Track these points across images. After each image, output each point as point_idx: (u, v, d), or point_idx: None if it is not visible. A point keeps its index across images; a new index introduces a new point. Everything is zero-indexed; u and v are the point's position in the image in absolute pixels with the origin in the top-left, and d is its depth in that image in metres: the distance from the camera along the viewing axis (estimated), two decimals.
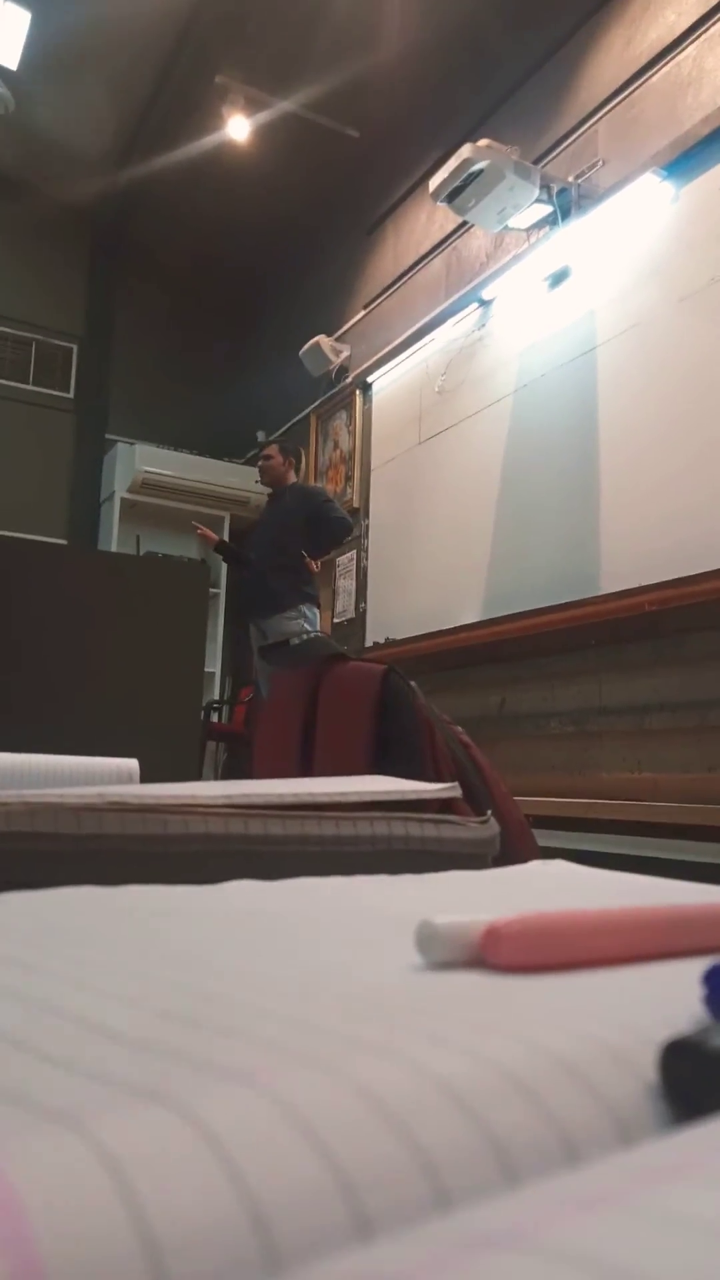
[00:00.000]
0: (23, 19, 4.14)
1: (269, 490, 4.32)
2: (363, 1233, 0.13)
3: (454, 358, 4.29)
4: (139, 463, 5.74)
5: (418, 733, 1.27)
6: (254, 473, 5.64)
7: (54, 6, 4.21)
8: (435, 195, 3.59)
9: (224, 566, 5.72)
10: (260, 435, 6.16)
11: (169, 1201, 0.12)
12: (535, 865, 0.56)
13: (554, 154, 3.81)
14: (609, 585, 3.19)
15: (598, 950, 0.27)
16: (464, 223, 4.08)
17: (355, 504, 4.95)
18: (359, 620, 4.83)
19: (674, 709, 2.99)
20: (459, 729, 1.34)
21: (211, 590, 5.64)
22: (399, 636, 4.31)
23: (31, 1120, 0.15)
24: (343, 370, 5.32)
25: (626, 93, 3.50)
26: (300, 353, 5.32)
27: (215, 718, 5.38)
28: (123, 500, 5.84)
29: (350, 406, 5.21)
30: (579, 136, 3.72)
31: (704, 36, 3.19)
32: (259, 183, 5.34)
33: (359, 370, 5.11)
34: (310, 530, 4.01)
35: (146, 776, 0.93)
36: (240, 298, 6.50)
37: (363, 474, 5.00)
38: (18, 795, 0.56)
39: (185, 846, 0.56)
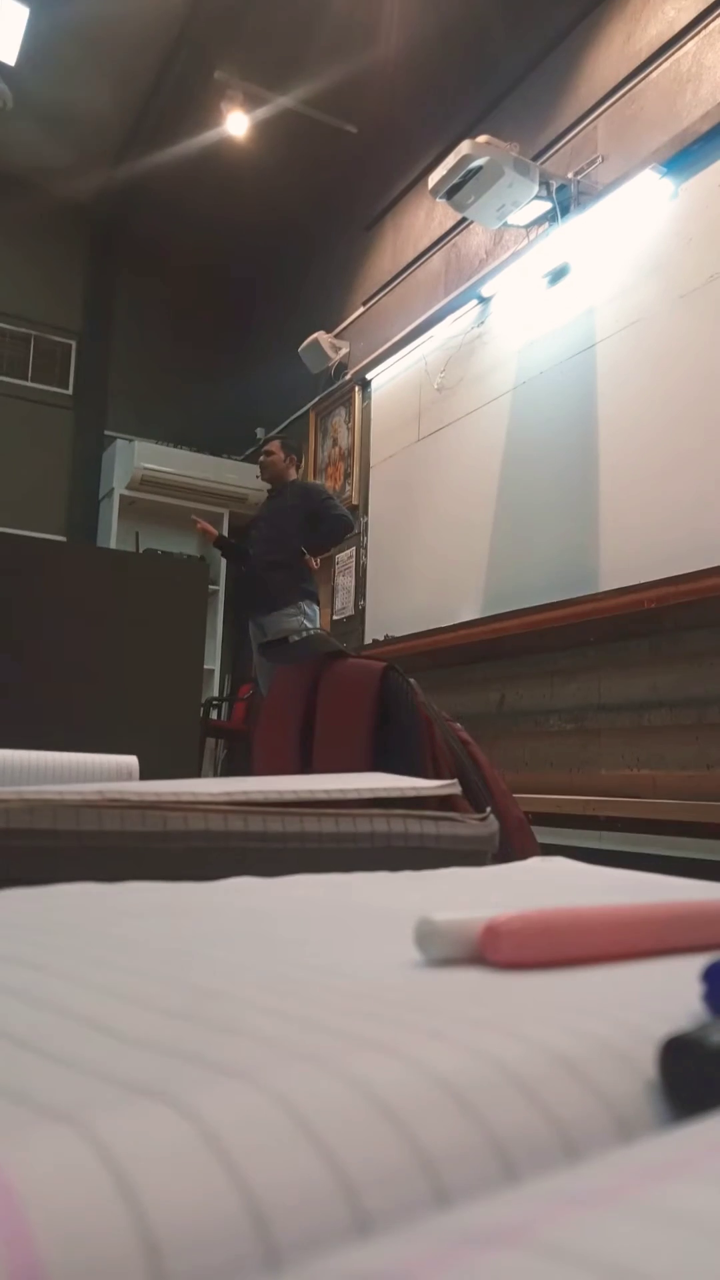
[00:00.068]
0: (21, 14, 4.13)
1: (269, 487, 4.31)
2: (362, 1230, 0.13)
3: (453, 355, 4.28)
4: (138, 459, 5.74)
5: (417, 730, 1.27)
6: (253, 469, 5.64)
7: (52, 2, 4.20)
8: (434, 192, 3.58)
9: (223, 563, 5.72)
10: (259, 432, 6.16)
11: (169, 1199, 0.12)
12: (534, 862, 0.56)
13: (553, 150, 3.81)
14: (608, 582, 3.19)
15: (597, 947, 0.27)
16: (463, 219, 4.08)
17: (354, 501, 4.95)
18: (358, 617, 4.83)
19: (673, 706, 2.99)
20: (458, 726, 1.34)
21: (210, 587, 5.63)
22: (398, 633, 4.31)
23: (31, 1118, 0.15)
24: (342, 367, 5.32)
25: (626, 89, 3.49)
26: (299, 349, 5.31)
27: (214, 714, 5.38)
28: (122, 497, 5.83)
29: (349, 403, 5.20)
30: (578, 133, 3.71)
31: (704, 32, 3.19)
32: (258, 179, 5.33)
33: (358, 367, 5.11)
34: (310, 527, 4.00)
35: (146, 773, 0.93)
36: (239, 294, 6.49)
37: (362, 471, 5.00)
38: (17, 792, 0.56)
39: (185, 843, 0.56)
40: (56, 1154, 0.13)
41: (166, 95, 4.95)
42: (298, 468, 4.31)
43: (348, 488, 5.09)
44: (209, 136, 5.01)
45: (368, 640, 4.61)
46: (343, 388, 5.28)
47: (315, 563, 4.04)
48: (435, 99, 4.57)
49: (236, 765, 5.13)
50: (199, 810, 0.58)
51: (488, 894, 0.44)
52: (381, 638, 4.47)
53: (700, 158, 3.10)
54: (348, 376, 5.23)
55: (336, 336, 5.33)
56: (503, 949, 0.25)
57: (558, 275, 3.68)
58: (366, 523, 4.85)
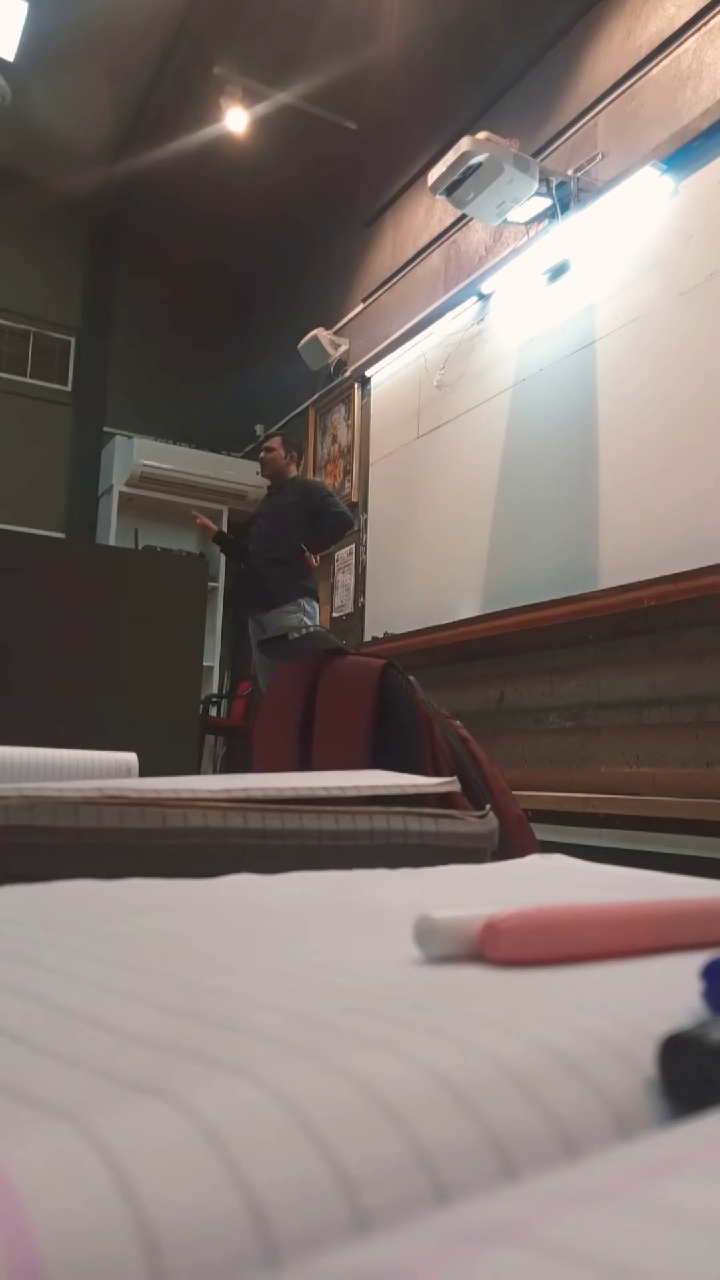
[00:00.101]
0: (20, 10, 4.12)
1: (268, 483, 4.31)
2: (362, 1227, 0.13)
3: (453, 352, 4.28)
4: (137, 456, 5.73)
5: (416, 727, 1.27)
6: (252, 467, 5.64)
7: None
8: (434, 188, 3.58)
9: (222, 560, 5.71)
10: (259, 429, 6.15)
11: (168, 1197, 0.12)
12: (534, 859, 0.56)
13: (553, 147, 3.80)
14: (608, 580, 3.19)
15: (596, 944, 0.27)
16: (463, 216, 4.07)
17: (354, 498, 4.94)
18: (357, 615, 4.83)
19: (672, 704, 2.99)
20: (458, 723, 1.35)
21: (210, 584, 5.63)
22: (398, 631, 4.31)
23: (30, 1115, 0.15)
24: (341, 364, 5.31)
25: (626, 86, 3.49)
26: (299, 346, 5.31)
27: (214, 712, 5.38)
28: (121, 494, 5.83)
29: (349, 400, 5.20)
30: (578, 130, 3.71)
31: (704, 29, 3.18)
32: (257, 175, 5.32)
33: (357, 364, 5.10)
34: (310, 524, 4.00)
35: (145, 770, 0.93)
36: (239, 290, 6.48)
37: (361, 468, 5.00)
38: (16, 789, 0.56)
39: (184, 840, 0.56)
40: (56, 1151, 0.12)
41: (165, 91, 4.94)
42: (298, 465, 4.31)
43: (347, 485, 5.08)
44: (208, 132, 5.00)
45: (367, 638, 4.61)
46: (342, 384, 5.28)
47: (315, 560, 4.04)
48: (435, 95, 4.56)
49: (236, 762, 5.13)
50: (198, 807, 0.58)
51: (487, 891, 0.44)
52: (381, 635, 4.47)
53: (700, 155, 3.10)
54: (347, 373, 5.22)
55: (336, 333, 5.33)
56: (502, 946, 0.25)
57: (558, 272, 3.68)
58: (366, 520, 4.84)
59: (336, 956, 0.27)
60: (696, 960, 0.24)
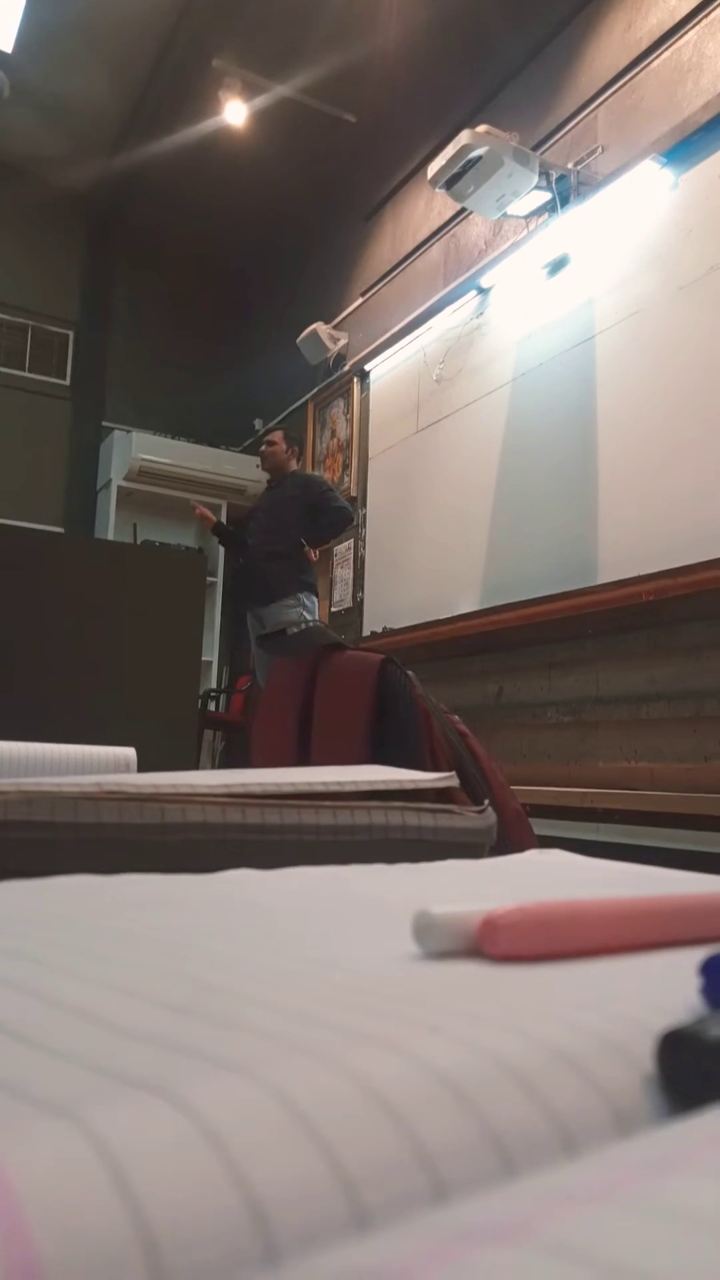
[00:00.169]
0: (18, 1, 4.10)
1: (268, 477, 4.31)
2: (361, 1225, 0.13)
3: (452, 346, 4.27)
4: (136, 450, 5.73)
5: (415, 722, 1.27)
6: (251, 461, 5.63)
7: None
8: (434, 182, 3.56)
9: (221, 556, 5.71)
10: (257, 423, 6.14)
11: (166, 1194, 0.12)
12: (532, 854, 0.56)
13: (553, 140, 3.79)
14: (606, 575, 3.19)
15: (594, 940, 0.27)
16: (462, 210, 4.06)
17: (353, 493, 4.94)
18: (356, 609, 4.83)
19: (671, 699, 2.99)
20: (456, 718, 1.35)
21: (209, 579, 5.63)
22: (396, 626, 4.31)
23: (28, 1112, 0.15)
24: (340, 358, 5.30)
25: (626, 78, 3.48)
26: (298, 340, 5.30)
27: (212, 706, 5.39)
28: (119, 488, 5.82)
29: (348, 395, 5.19)
30: (578, 123, 3.69)
31: (705, 21, 3.17)
32: (256, 168, 5.30)
33: (357, 358, 5.09)
34: (310, 519, 4.00)
35: (144, 765, 0.93)
36: (237, 284, 6.46)
37: (360, 463, 4.99)
38: (15, 784, 0.56)
39: (183, 835, 0.56)
40: (54, 1149, 0.12)
41: (164, 84, 4.92)
42: (298, 459, 4.30)
43: (346, 479, 5.08)
44: (207, 125, 4.98)
45: (366, 632, 4.61)
46: (341, 379, 5.27)
47: (314, 554, 4.04)
48: (435, 88, 4.55)
49: (234, 757, 5.14)
50: (197, 802, 0.58)
51: (485, 886, 0.44)
52: (379, 630, 4.47)
53: (700, 148, 3.09)
54: (346, 368, 5.21)
55: (335, 327, 5.32)
56: (500, 942, 0.25)
57: (557, 266, 3.67)
58: (365, 515, 4.84)
59: (335, 953, 0.27)
60: (695, 956, 0.24)
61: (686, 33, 3.24)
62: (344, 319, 5.33)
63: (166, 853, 0.56)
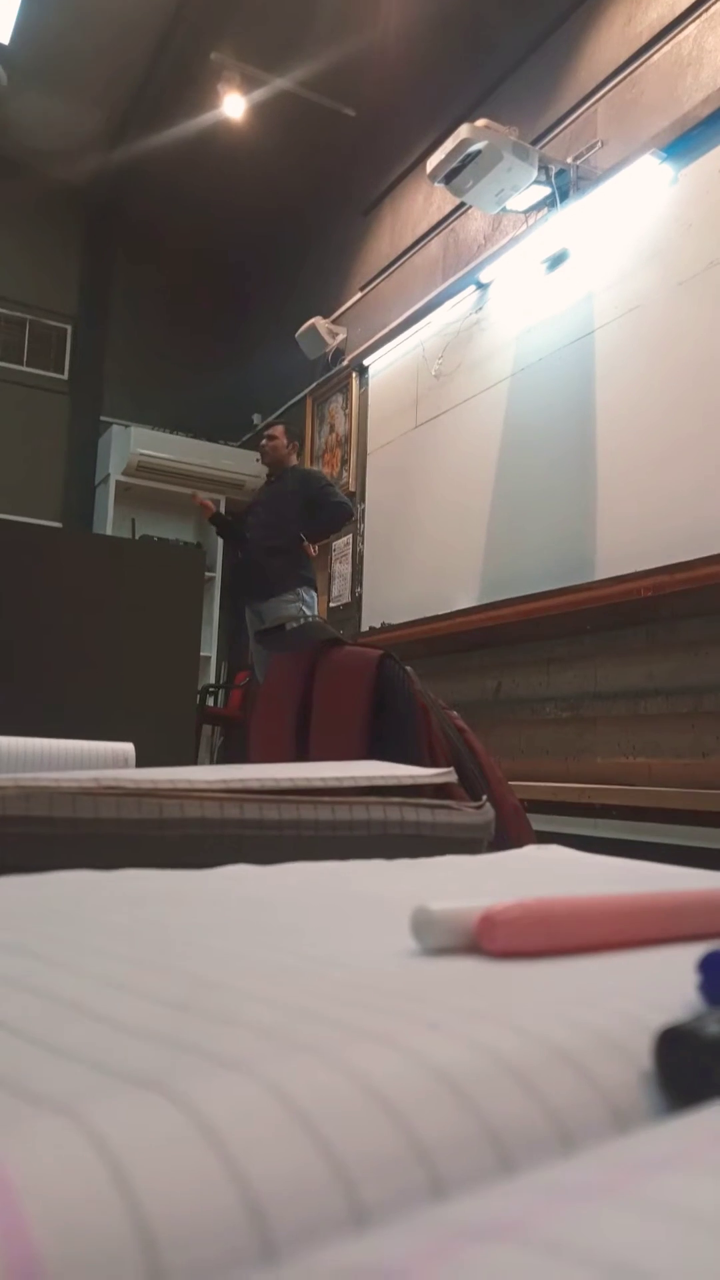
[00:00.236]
0: None
1: (267, 471, 4.30)
2: (359, 1221, 0.13)
3: (451, 341, 4.26)
4: (134, 445, 5.72)
5: (413, 718, 1.27)
6: (249, 456, 5.62)
7: None
8: (433, 176, 3.55)
9: (220, 550, 5.71)
10: (256, 418, 6.13)
11: (165, 1190, 0.12)
12: (530, 850, 0.56)
13: (553, 135, 3.78)
14: (605, 570, 3.19)
15: (593, 936, 0.27)
16: (461, 204, 4.05)
17: (351, 488, 4.93)
18: (355, 605, 4.83)
19: (669, 694, 3.00)
20: (454, 714, 1.35)
21: (207, 574, 5.63)
22: (395, 621, 4.31)
23: (27, 1109, 0.15)
24: (339, 353, 5.29)
25: (626, 73, 3.47)
26: (296, 335, 5.28)
27: (211, 702, 5.38)
28: (118, 483, 5.82)
29: (346, 390, 5.18)
30: (578, 117, 3.68)
31: (705, 15, 3.16)
32: (255, 162, 5.29)
33: (355, 353, 5.08)
34: (309, 514, 3.99)
35: (142, 760, 0.93)
36: (236, 278, 6.45)
37: (359, 458, 4.99)
38: (13, 779, 0.56)
39: (181, 831, 0.56)
40: (53, 1146, 0.12)
41: (162, 77, 4.90)
42: (298, 454, 4.30)
43: (345, 474, 5.07)
44: (205, 119, 4.96)
45: (364, 628, 4.61)
46: (340, 374, 5.26)
47: (313, 550, 4.04)
48: (434, 82, 4.53)
49: (232, 753, 5.14)
50: (195, 797, 0.58)
51: (483, 882, 0.44)
52: (378, 625, 4.47)
53: (700, 143, 3.08)
54: (345, 362, 5.21)
55: (334, 322, 5.30)
56: (498, 938, 0.26)
57: (556, 261, 3.67)
58: (363, 510, 4.84)
59: (333, 949, 0.27)
60: (693, 952, 0.24)
61: (687, 27, 3.23)
62: (343, 313, 5.32)
63: (165, 848, 0.56)
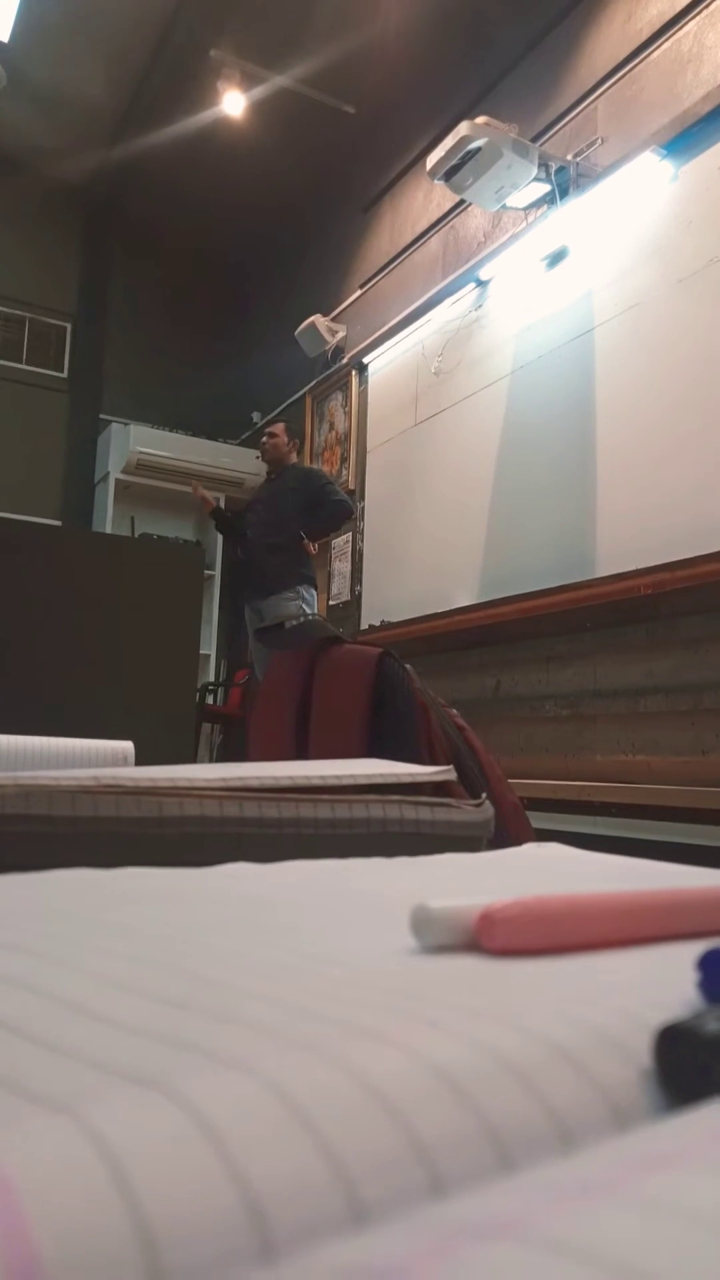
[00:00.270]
0: None
1: (267, 469, 4.30)
2: (358, 1220, 0.13)
3: (451, 338, 4.26)
4: (133, 443, 5.71)
5: (413, 715, 1.27)
6: (249, 454, 5.62)
7: None
8: (432, 173, 3.55)
9: (219, 548, 5.71)
10: (255, 416, 6.13)
11: (164, 1189, 0.12)
12: (530, 848, 0.56)
13: (553, 132, 3.77)
14: (605, 568, 3.19)
15: (592, 934, 0.27)
16: (461, 201, 4.05)
17: (351, 486, 4.93)
18: (354, 603, 4.83)
19: (669, 692, 3.00)
20: (454, 712, 1.35)
21: (207, 572, 5.63)
22: (394, 619, 4.31)
23: (27, 1108, 0.15)
24: (338, 350, 5.29)
25: (626, 69, 3.46)
26: (296, 333, 5.28)
27: (210, 700, 5.39)
28: (117, 481, 5.81)
29: (346, 387, 5.18)
30: (578, 114, 3.68)
31: (705, 12, 3.16)
32: (254, 159, 5.28)
33: (355, 351, 5.08)
34: (309, 512, 3.99)
35: (141, 759, 0.93)
36: (235, 276, 6.44)
37: (359, 456, 4.98)
38: (12, 777, 0.56)
39: (180, 829, 0.56)
40: (53, 1145, 0.12)
41: (161, 74, 4.89)
42: (298, 452, 4.30)
43: (344, 472, 5.07)
44: (205, 117, 4.95)
45: (364, 626, 4.61)
46: (339, 371, 5.26)
47: (313, 548, 4.03)
48: (434, 79, 4.53)
49: (232, 751, 5.14)
50: (194, 795, 0.58)
51: (483, 880, 0.44)
52: (378, 623, 4.46)
53: (701, 140, 3.08)
54: (344, 360, 5.20)
55: (333, 320, 5.30)
56: (498, 936, 0.26)
57: (556, 258, 3.66)
58: (363, 508, 4.83)
59: (333, 947, 0.27)
60: (693, 950, 0.24)
61: (687, 23, 3.22)
62: (342, 311, 5.32)
63: (164, 846, 0.56)
